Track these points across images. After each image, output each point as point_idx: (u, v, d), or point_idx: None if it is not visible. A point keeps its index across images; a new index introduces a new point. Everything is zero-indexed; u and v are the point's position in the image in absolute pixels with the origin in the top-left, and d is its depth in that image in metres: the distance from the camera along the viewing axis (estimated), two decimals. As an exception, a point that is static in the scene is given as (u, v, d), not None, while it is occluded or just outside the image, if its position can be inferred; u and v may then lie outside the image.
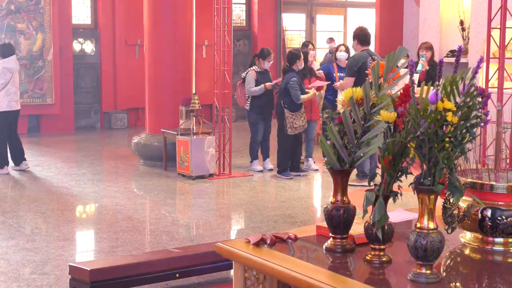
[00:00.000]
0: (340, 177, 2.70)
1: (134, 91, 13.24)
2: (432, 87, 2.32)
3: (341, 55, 9.63)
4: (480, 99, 2.37)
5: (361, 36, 8.42)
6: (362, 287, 2.33)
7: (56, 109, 12.58)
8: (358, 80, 7.97)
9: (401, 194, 2.51)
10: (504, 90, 7.10)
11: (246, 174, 9.12)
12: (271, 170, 9.33)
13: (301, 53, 8.95)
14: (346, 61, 9.28)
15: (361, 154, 2.68)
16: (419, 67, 9.07)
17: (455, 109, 2.26)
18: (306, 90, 8.87)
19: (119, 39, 13.50)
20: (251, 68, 9.35)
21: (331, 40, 14.09)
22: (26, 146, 9.96)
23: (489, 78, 7.35)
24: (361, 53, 8.32)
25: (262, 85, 9.08)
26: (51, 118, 12.71)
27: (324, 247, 2.73)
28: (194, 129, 8.88)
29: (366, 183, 8.37)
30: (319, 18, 16.33)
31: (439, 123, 2.24)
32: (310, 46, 10.39)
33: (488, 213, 2.66)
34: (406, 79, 2.43)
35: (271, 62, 9.32)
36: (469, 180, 2.74)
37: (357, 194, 7.25)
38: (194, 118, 8.91)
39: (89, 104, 13.60)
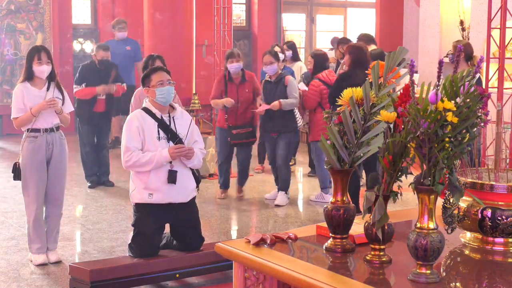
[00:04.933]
0: (340, 177, 2.70)
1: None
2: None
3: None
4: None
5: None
6: (362, 287, 2.33)
7: (56, 109, 12.57)
8: None
9: (401, 194, 2.51)
10: (504, 90, 7.09)
11: (246, 174, 9.09)
12: None
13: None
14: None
15: (361, 154, 2.69)
16: None
17: (455, 109, 2.26)
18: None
19: (119, 39, 13.48)
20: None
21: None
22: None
23: (489, 78, 7.34)
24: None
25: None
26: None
27: (324, 247, 2.73)
28: (194, 129, 8.85)
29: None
30: (319, 18, 16.31)
31: (439, 123, 2.24)
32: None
33: (488, 213, 2.66)
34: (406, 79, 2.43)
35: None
36: (469, 180, 2.74)
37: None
38: (194, 118, 8.91)
39: (89, 104, 13.55)
